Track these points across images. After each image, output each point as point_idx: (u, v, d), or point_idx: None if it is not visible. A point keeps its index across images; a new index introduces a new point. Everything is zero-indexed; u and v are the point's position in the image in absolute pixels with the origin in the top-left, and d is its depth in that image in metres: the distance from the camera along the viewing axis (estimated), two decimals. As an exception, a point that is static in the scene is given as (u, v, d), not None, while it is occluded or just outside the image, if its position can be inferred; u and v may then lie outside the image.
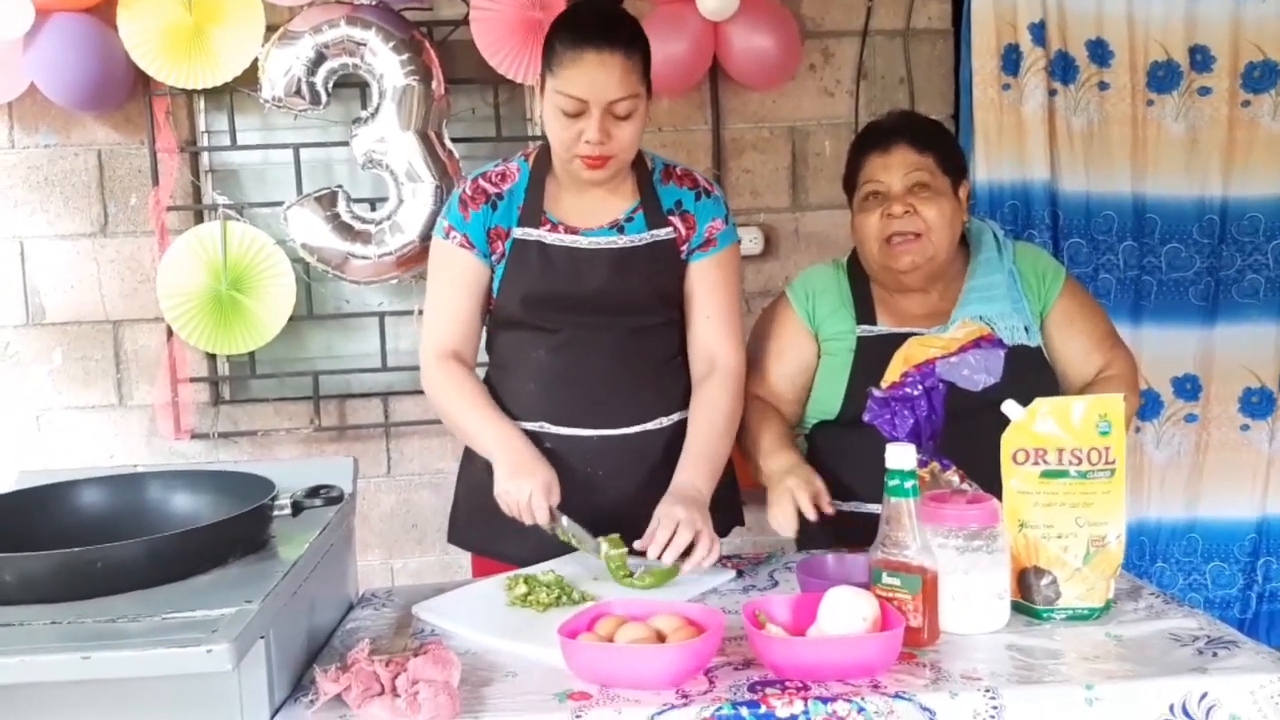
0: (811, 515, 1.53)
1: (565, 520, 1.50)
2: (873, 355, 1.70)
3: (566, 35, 1.53)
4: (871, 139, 1.75)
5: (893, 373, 1.65)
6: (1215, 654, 1.18)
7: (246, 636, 1.00)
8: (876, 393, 1.64)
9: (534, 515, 1.50)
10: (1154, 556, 2.98)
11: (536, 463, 1.53)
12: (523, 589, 1.40)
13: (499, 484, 1.53)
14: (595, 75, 1.50)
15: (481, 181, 1.67)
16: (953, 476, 1.56)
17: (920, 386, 1.62)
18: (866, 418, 1.64)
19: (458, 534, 1.77)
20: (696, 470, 1.57)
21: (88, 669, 0.97)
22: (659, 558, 1.44)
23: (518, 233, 1.63)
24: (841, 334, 1.74)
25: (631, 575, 1.45)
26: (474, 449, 1.66)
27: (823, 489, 1.56)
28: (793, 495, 1.54)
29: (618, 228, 1.64)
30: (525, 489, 1.49)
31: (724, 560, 1.60)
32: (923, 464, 1.57)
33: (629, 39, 1.54)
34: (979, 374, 1.62)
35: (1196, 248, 2.92)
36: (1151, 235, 2.91)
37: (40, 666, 0.97)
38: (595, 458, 1.63)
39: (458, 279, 1.66)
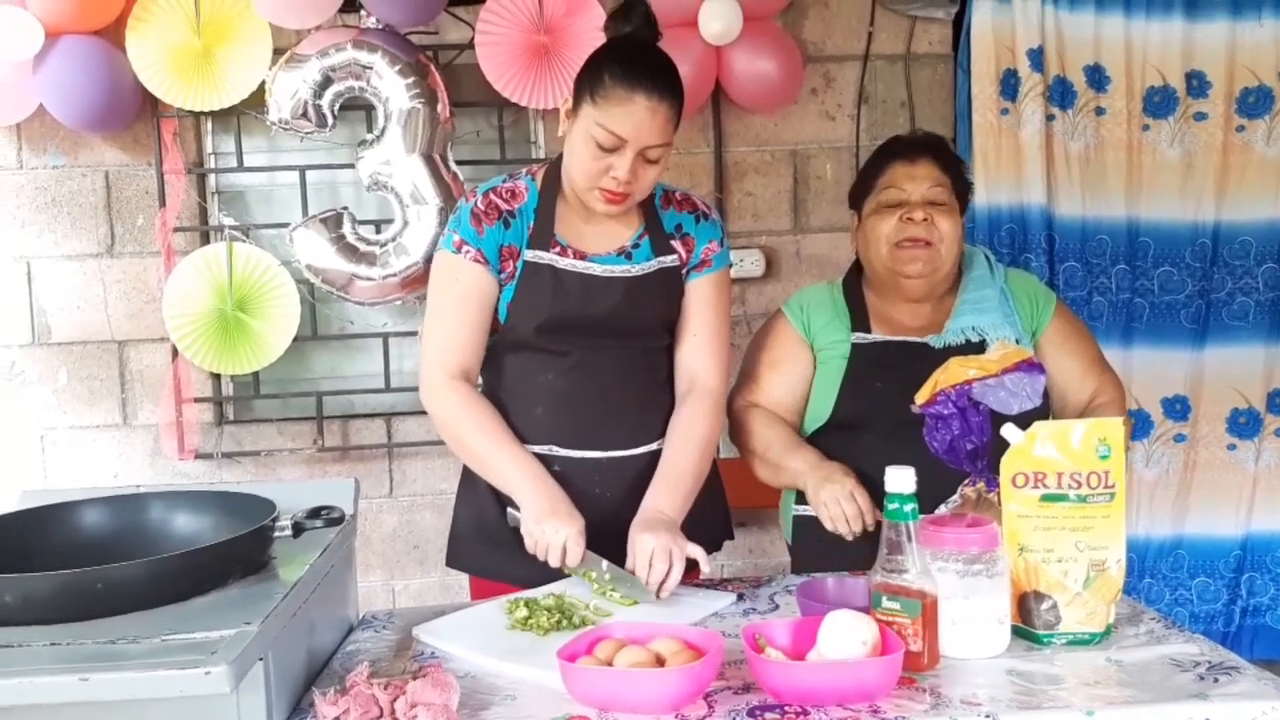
0: (853, 532, 1.60)
1: (605, 563, 1.50)
2: (865, 361, 1.74)
3: (620, 72, 1.52)
4: (898, 148, 1.80)
5: (924, 393, 1.65)
6: (1216, 680, 1.17)
7: (245, 658, 1.01)
8: (914, 409, 1.65)
9: (566, 558, 1.50)
10: (1142, 573, 3.00)
11: (571, 509, 1.54)
12: (523, 612, 1.40)
13: (528, 524, 1.54)
14: (643, 119, 1.51)
15: (493, 197, 1.65)
16: (995, 498, 1.55)
17: (952, 406, 1.63)
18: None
19: (458, 558, 1.76)
20: (665, 492, 1.59)
21: (86, 691, 0.97)
22: (657, 593, 1.48)
23: (528, 255, 1.62)
24: (835, 342, 1.78)
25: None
26: (487, 479, 1.64)
27: (865, 503, 1.60)
28: (840, 506, 1.60)
29: (625, 254, 1.65)
30: (562, 533, 1.50)
31: (724, 583, 1.60)
32: (971, 483, 1.58)
33: (676, 89, 1.56)
34: (1015, 398, 1.62)
35: (1189, 271, 2.95)
36: (1145, 259, 2.94)
37: (39, 688, 0.97)
38: (603, 479, 1.64)
39: (470, 294, 1.63)
